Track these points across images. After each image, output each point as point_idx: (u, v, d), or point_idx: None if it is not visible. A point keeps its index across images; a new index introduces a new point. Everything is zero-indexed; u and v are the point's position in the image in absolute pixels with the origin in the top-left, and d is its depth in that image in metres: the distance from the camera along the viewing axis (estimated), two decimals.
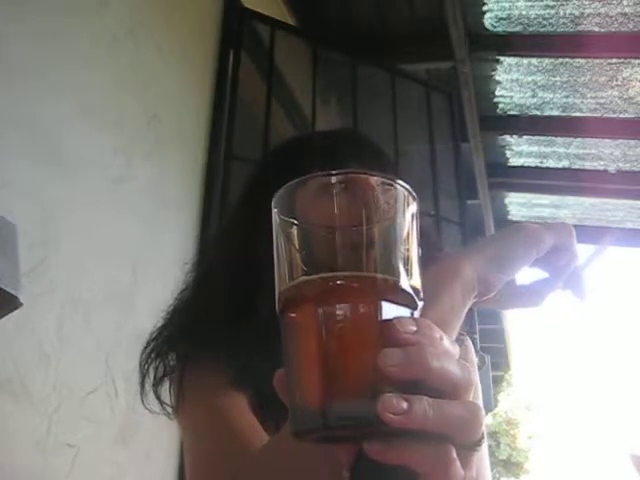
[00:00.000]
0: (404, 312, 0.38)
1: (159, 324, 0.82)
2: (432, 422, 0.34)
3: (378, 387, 0.35)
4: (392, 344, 0.35)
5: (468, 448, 0.37)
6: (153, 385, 0.79)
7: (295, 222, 0.39)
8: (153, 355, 0.80)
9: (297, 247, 0.39)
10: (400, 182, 0.39)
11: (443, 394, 0.36)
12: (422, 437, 0.35)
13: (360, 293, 0.36)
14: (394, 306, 0.37)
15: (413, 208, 0.40)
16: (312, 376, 0.36)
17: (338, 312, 0.36)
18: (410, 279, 0.38)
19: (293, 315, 0.38)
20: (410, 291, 0.38)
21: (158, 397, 0.80)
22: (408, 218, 0.39)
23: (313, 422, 0.36)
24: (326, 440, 0.38)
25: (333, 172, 0.39)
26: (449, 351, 0.37)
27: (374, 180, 0.40)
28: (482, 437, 0.38)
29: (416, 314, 0.39)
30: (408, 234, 0.39)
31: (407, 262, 0.38)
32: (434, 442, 0.35)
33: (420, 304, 0.39)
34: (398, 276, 0.37)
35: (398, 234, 0.39)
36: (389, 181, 0.40)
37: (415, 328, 0.36)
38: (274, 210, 0.40)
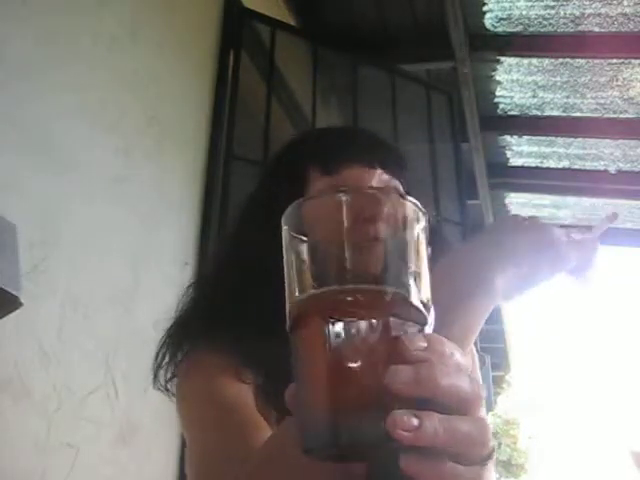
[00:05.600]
0: (414, 328, 0.37)
1: (173, 316, 0.83)
2: (442, 439, 0.34)
3: (388, 404, 0.34)
4: (401, 361, 0.35)
5: (477, 463, 0.37)
6: (161, 372, 0.80)
7: (304, 239, 0.39)
8: (166, 345, 0.80)
9: (307, 263, 0.39)
10: (409, 198, 0.40)
11: (452, 410, 0.36)
12: (430, 453, 0.35)
13: (369, 309, 0.36)
14: (403, 322, 0.37)
15: (422, 223, 0.40)
16: (322, 394, 0.36)
17: (347, 329, 0.36)
18: (420, 294, 0.38)
19: (302, 332, 0.38)
20: (420, 306, 0.38)
21: (166, 386, 0.80)
22: (417, 233, 0.39)
23: (324, 440, 0.36)
24: (336, 458, 0.38)
25: (342, 188, 0.39)
26: (460, 367, 0.37)
27: (383, 195, 0.40)
28: (491, 452, 0.38)
29: (427, 329, 0.38)
30: (417, 249, 0.39)
31: (416, 277, 0.38)
32: (444, 458, 0.35)
33: (430, 319, 0.39)
34: (408, 291, 0.37)
35: (407, 249, 0.39)
36: (398, 196, 0.40)
37: (425, 344, 0.36)
38: (284, 227, 0.40)
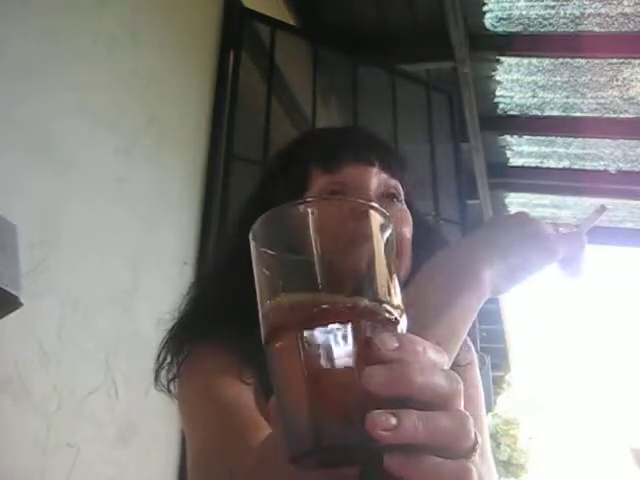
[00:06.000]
0: (386, 330, 0.38)
1: (175, 317, 0.83)
2: (422, 435, 0.35)
3: (366, 405, 0.35)
4: (375, 362, 0.36)
5: (461, 456, 0.37)
6: (163, 373, 0.80)
7: (273, 252, 0.40)
8: (167, 346, 0.80)
9: (277, 276, 0.39)
10: (375, 205, 0.40)
11: (431, 406, 0.36)
12: (413, 450, 0.35)
13: (341, 315, 0.37)
14: (376, 325, 0.38)
15: (389, 230, 0.40)
16: (301, 402, 0.37)
17: (320, 336, 0.37)
18: (390, 298, 0.39)
19: (276, 344, 0.38)
20: (392, 311, 0.38)
21: (167, 387, 0.80)
22: (386, 239, 0.40)
23: (307, 446, 0.36)
24: (323, 464, 0.38)
25: (309, 199, 0.40)
26: (434, 363, 0.38)
27: (349, 204, 0.42)
28: (475, 444, 0.38)
29: (399, 328, 0.39)
30: (386, 256, 0.40)
31: (386, 281, 0.39)
32: (427, 454, 0.36)
33: (402, 323, 0.39)
34: (378, 296, 0.38)
35: (376, 256, 0.39)
36: (364, 205, 0.40)
37: (397, 344, 0.36)
38: (252, 243, 0.41)
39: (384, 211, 0.40)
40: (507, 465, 10.87)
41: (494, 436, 10.55)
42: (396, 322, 0.39)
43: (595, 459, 13.22)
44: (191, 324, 0.81)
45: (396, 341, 0.37)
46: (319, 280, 0.38)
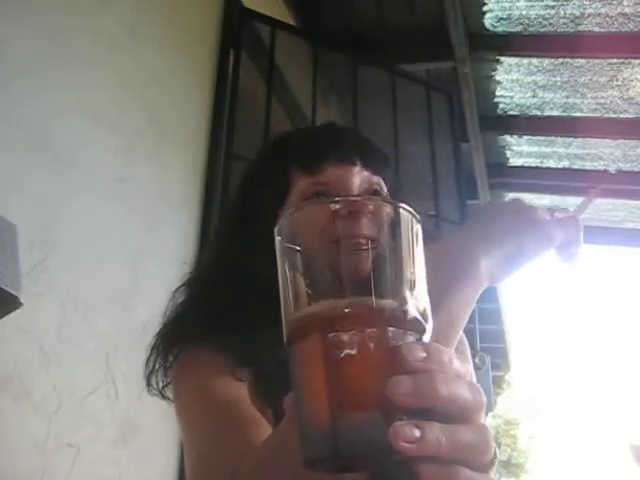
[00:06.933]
0: (412, 337, 0.37)
1: (163, 319, 0.83)
2: (444, 448, 0.34)
3: (389, 415, 0.34)
4: (401, 371, 0.35)
5: (480, 470, 0.37)
6: (153, 376, 0.80)
7: (298, 249, 0.39)
8: (159, 348, 0.80)
9: (302, 274, 0.38)
10: (403, 205, 0.39)
11: (454, 418, 0.36)
12: (434, 462, 0.35)
13: (366, 320, 0.36)
14: (401, 332, 0.37)
15: (417, 230, 0.39)
16: (322, 406, 0.36)
17: (345, 341, 0.36)
18: (416, 303, 0.38)
19: (300, 345, 0.38)
20: (417, 316, 0.38)
21: (160, 391, 0.80)
22: (412, 240, 0.39)
23: (325, 451, 0.35)
24: (337, 469, 0.37)
25: (336, 198, 0.39)
26: (459, 374, 0.37)
27: (376, 204, 0.40)
28: (494, 457, 0.38)
29: (425, 337, 0.38)
30: (412, 257, 0.39)
31: (413, 285, 0.38)
32: (446, 466, 0.35)
33: (429, 327, 0.39)
34: (404, 301, 0.37)
35: (403, 258, 0.38)
36: (392, 204, 0.39)
37: (424, 354, 0.36)
38: (277, 238, 0.40)
39: (411, 209, 0.39)
40: (507, 465, 10.88)
41: (494, 436, 10.54)
42: (422, 328, 0.38)
43: (595, 456, 13.23)
44: (181, 327, 0.81)
45: (423, 351, 0.36)
46: (344, 281, 0.37)
